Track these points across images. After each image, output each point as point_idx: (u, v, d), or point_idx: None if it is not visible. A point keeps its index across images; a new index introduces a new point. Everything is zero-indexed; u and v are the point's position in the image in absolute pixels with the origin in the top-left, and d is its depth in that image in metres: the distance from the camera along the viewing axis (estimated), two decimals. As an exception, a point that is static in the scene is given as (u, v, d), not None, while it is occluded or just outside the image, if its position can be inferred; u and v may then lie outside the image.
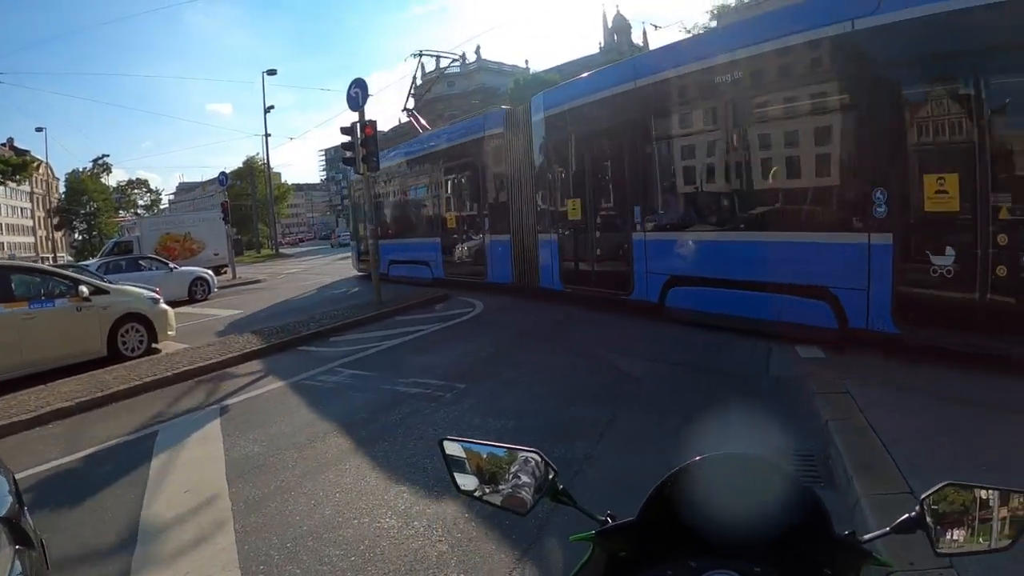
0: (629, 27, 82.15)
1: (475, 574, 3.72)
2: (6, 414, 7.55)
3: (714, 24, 31.52)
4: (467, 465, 1.48)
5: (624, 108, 10.80)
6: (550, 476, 1.45)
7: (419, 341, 10.59)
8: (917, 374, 6.64)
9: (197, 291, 21.20)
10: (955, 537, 1.27)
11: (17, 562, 2.46)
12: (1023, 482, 1.15)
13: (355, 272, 24.49)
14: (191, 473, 5.59)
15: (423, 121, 22.02)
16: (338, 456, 5.71)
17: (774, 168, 8.81)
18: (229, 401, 7.83)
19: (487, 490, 1.45)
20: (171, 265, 21.78)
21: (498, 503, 1.44)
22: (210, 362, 9.62)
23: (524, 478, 1.42)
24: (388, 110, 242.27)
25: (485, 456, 1.47)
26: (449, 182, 17.66)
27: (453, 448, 1.50)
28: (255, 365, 9.67)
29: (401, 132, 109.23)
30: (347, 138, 14.53)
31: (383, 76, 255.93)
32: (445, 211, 17.72)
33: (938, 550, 1.28)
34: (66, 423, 7.49)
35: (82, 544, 4.37)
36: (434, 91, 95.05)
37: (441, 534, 4.15)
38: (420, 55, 21.59)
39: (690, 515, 1.34)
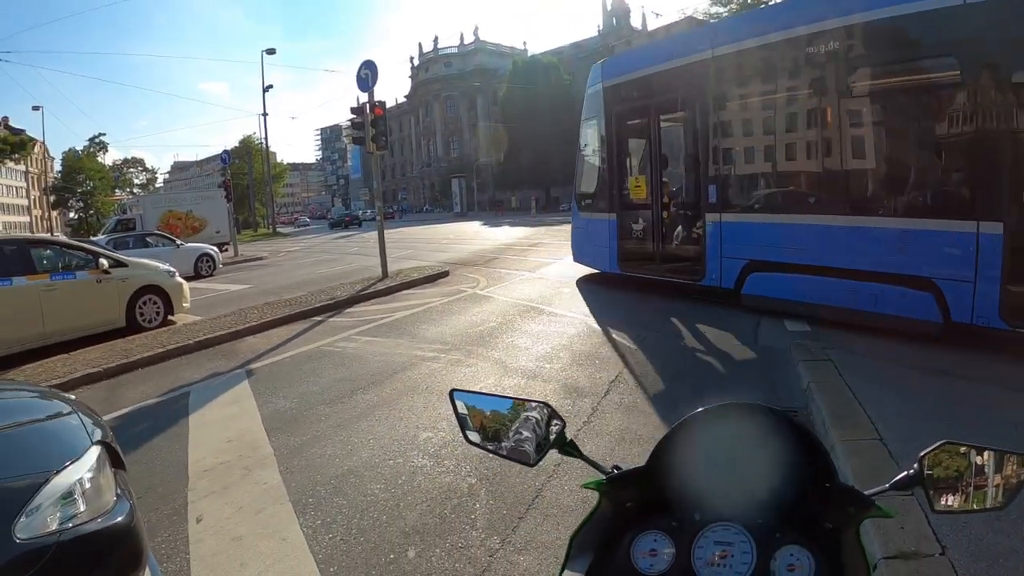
0: (629, 11, 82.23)
1: (503, 500, 4.17)
2: (34, 380, 7.73)
3: (719, 9, 31.08)
4: (469, 422, 1.51)
5: None
6: (556, 428, 1.45)
7: (428, 312, 10.88)
8: (896, 348, 7.10)
9: (203, 267, 21.39)
10: (952, 495, 1.28)
11: (117, 480, 2.79)
12: (998, 441, 1.25)
13: (583, 268, 13.91)
14: (229, 426, 5.91)
15: None
16: (366, 410, 6.10)
17: None
18: (254, 365, 8.15)
19: (499, 425, 1.47)
20: (178, 242, 21.96)
21: (506, 451, 1.46)
22: (229, 331, 9.90)
23: (525, 433, 1.44)
24: (382, 89, 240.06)
25: (488, 413, 1.49)
26: None
27: (461, 401, 1.52)
28: (273, 334, 9.96)
29: (394, 114, 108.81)
30: (356, 117, 14.95)
31: (376, 54, 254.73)
32: None
33: (936, 508, 1.29)
34: (95, 388, 7.72)
35: (135, 487, 4.61)
36: (431, 71, 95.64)
37: (469, 470, 4.62)
38: None
39: (696, 465, 1.36)
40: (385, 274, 14.88)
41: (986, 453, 1.26)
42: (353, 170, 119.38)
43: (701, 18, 32.53)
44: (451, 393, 1.52)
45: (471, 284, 13.88)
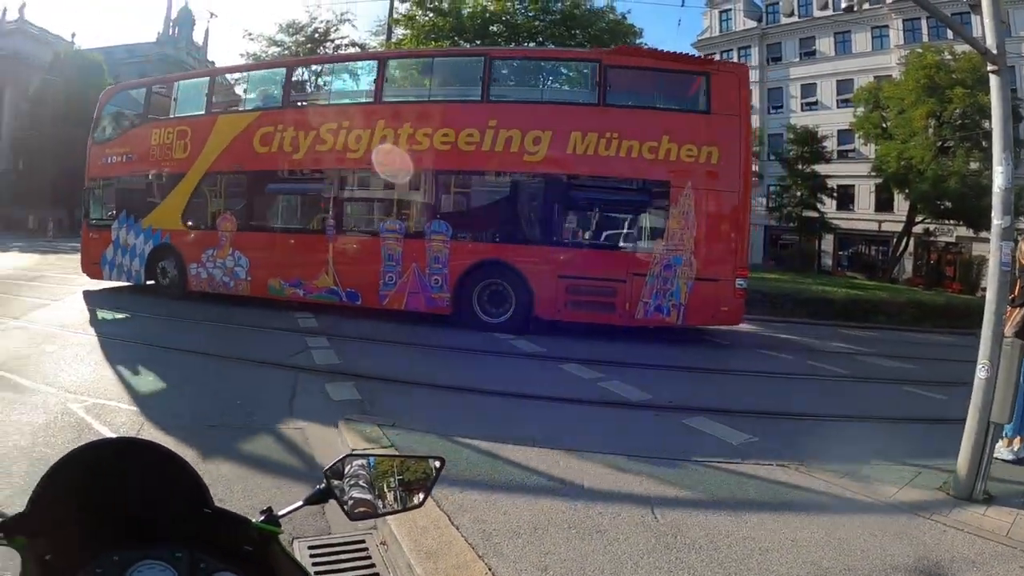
0: (194, 22, 79.03)
1: None
2: None
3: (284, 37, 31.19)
4: None
5: None
6: None
7: None
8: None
9: None
10: (367, 502, 1.41)
11: None
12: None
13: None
14: None
15: None
16: None
17: None
18: None
19: None
20: None
21: None
22: None
23: None
24: None
25: None
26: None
27: None
28: None
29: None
30: None
31: None
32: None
33: (353, 516, 1.41)
34: None
35: None
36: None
37: None
38: None
39: (85, 505, 1.31)
40: None
41: (390, 459, 1.51)
42: None
43: (264, 43, 32.04)
44: None
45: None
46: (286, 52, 30.20)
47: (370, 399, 7.24)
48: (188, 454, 5.30)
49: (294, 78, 15.73)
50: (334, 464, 1.42)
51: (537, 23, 25.30)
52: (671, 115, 11.83)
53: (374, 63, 14.38)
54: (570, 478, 4.86)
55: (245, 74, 17.13)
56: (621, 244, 11.90)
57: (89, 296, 15.47)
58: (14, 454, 5.51)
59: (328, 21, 31.24)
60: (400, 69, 15.50)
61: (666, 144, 11.16)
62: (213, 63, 78.88)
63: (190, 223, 14.73)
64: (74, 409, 6.83)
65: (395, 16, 26.88)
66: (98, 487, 1.33)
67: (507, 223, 12.31)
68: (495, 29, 25.14)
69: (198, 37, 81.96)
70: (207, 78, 15.98)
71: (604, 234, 12.16)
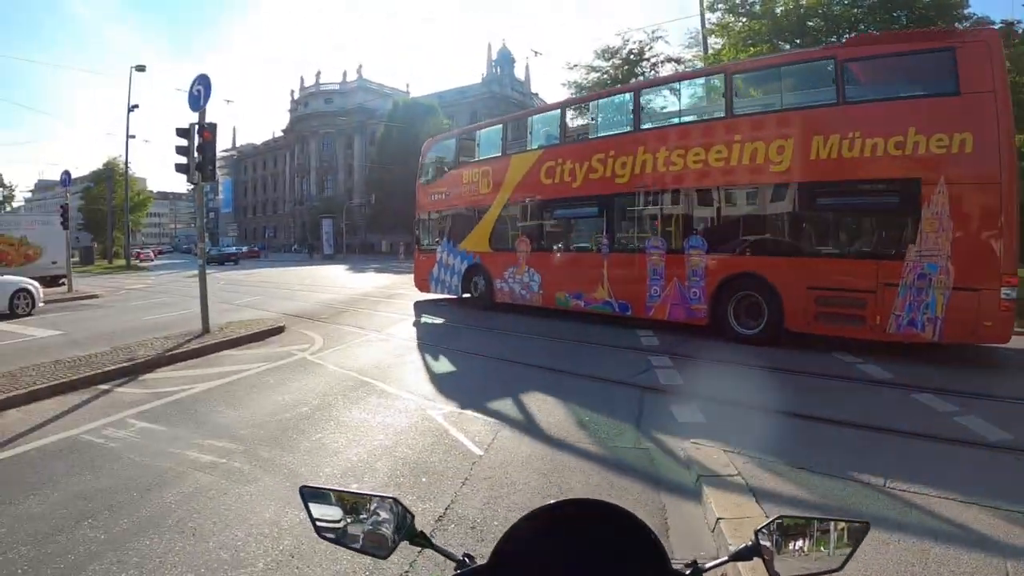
0: (513, 61, 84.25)
1: None
2: None
3: (602, 63, 32.28)
4: (331, 497, 1.54)
5: None
6: (407, 520, 1.51)
7: (236, 385, 9.37)
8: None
9: (19, 304, 18.92)
10: (789, 562, 1.43)
11: None
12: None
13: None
14: None
15: None
16: (85, 558, 4.28)
17: None
18: (-15, 461, 6.33)
19: (349, 520, 1.51)
20: (-14, 275, 19.46)
21: (358, 544, 1.50)
22: (-13, 402, 8.26)
23: (383, 515, 1.49)
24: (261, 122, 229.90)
25: (346, 508, 1.53)
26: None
27: (313, 496, 1.55)
28: (40, 407, 8.29)
29: (270, 148, 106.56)
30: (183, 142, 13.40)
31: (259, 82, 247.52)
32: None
33: (774, 574, 1.43)
34: None
35: None
36: (311, 106, 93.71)
37: None
38: None
39: (539, 558, 1.42)
40: (206, 329, 13.61)
41: (817, 522, 1.47)
42: (224, 204, 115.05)
43: (583, 72, 33.20)
44: (301, 490, 1.56)
45: (304, 346, 12.65)
46: (604, 77, 31.15)
47: (714, 422, 7.18)
48: (555, 466, 6.04)
49: (568, 116, 17.87)
50: (764, 525, 1.46)
51: (855, 10, 23.74)
52: (916, 103, 10.56)
53: (630, 95, 15.40)
54: (922, 522, 4.53)
55: (529, 118, 18.82)
56: (870, 251, 11.14)
57: (419, 306, 19.71)
58: (379, 452, 6.46)
59: (641, 41, 31.60)
60: (652, 97, 16.20)
61: (913, 137, 10.23)
62: (536, 95, 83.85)
63: (495, 246, 17.90)
64: (432, 415, 7.75)
65: (708, 27, 26.79)
66: (558, 545, 1.43)
67: (756, 235, 12.42)
68: (812, 24, 24.10)
69: (519, 73, 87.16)
70: (500, 125, 18.78)
71: (851, 242, 11.71)
